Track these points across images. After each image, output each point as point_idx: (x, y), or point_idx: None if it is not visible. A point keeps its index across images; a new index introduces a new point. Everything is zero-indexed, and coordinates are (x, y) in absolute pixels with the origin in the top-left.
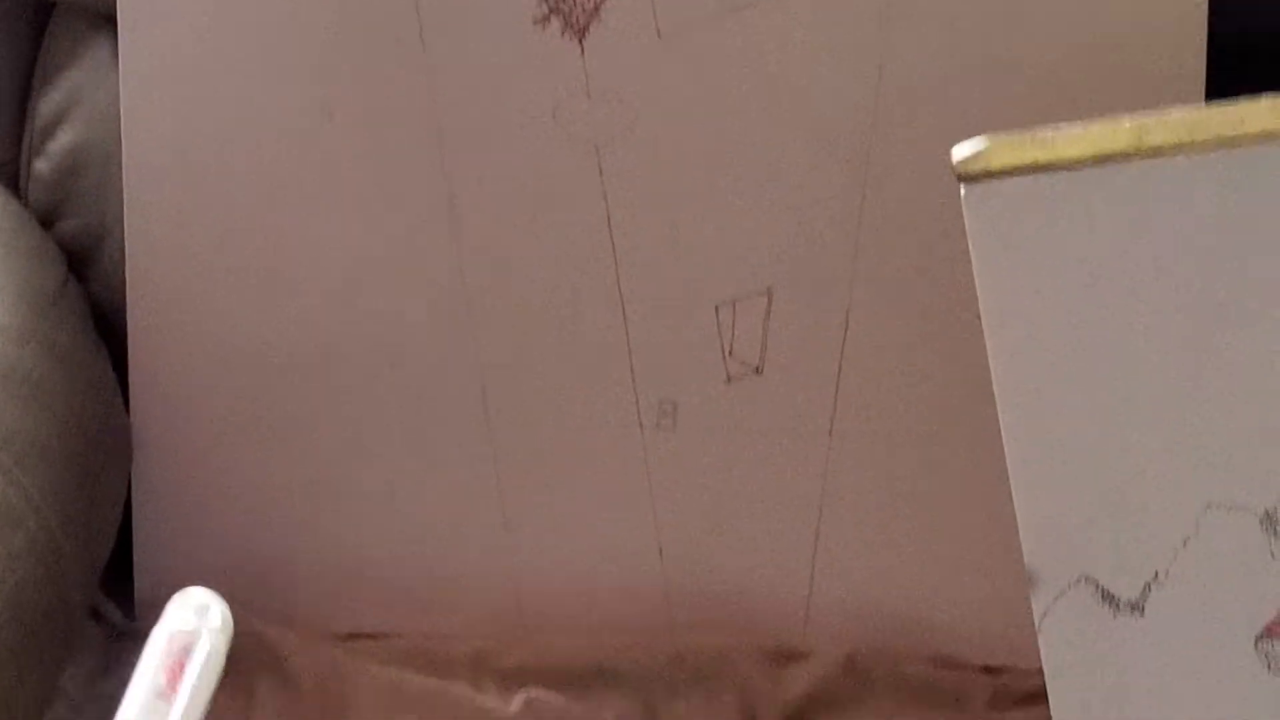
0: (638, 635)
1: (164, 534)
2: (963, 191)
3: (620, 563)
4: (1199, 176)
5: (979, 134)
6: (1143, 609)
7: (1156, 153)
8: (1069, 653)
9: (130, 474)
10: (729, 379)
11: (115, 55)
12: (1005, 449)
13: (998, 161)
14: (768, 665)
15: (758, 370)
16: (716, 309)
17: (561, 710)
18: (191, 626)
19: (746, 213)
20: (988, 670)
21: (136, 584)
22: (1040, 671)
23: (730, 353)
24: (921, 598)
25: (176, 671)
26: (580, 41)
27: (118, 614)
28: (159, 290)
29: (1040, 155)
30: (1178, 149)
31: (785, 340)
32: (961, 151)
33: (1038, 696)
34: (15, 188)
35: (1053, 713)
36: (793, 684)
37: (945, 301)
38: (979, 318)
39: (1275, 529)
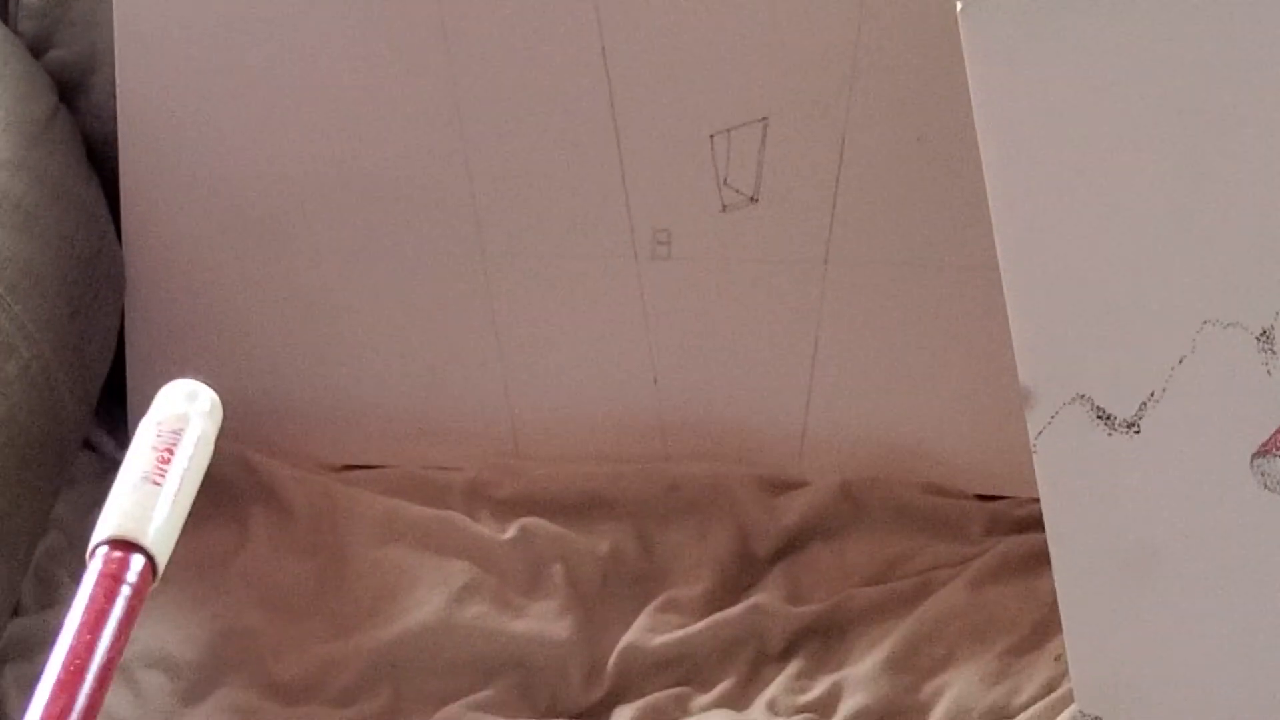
0: (632, 464)
1: (157, 365)
2: (959, 8)
3: (615, 392)
4: None
5: None
6: (1138, 427)
7: None
8: (1064, 471)
9: (123, 305)
10: (724, 208)
11: None
12: (1001, 269)
13: None
14: (762, 494)
15: (753, 199)
16: (711, 138)
17: (556, 538)
18: (180, 411)
19: (741, 41)
20: (982, 498)
21: (130, 415)
22: (1035, 500)
23: (725, 181)
24: (917, 426)
25: (166, 456)
26: None
27: (111, 444)
28: (150, 120)
29: None
30: None
31: (781, 169)
32: None
33: (1032, 523)
34: (4, 16)
35: (1048, 531)
36: (787, 512)
37: (942, 126)
38: (976, 141)
39: (1272, 346)
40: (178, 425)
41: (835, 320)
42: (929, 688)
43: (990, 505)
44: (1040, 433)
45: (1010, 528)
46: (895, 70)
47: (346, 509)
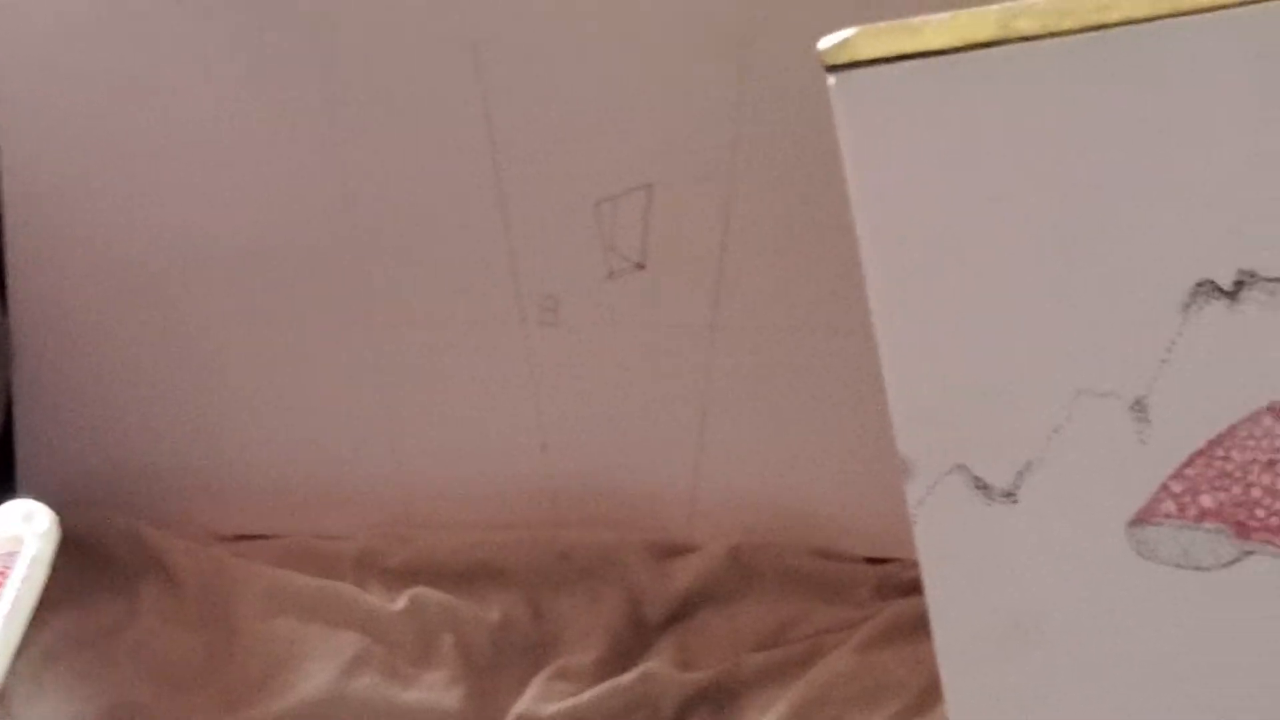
0: (523, 532)
1: (47, 435)
2: (830, 81)
3: (504, 460)
4: (1065, 62)
5: (851, 24)
6: (1016, 497)
7: (1023, 39)
8: (943, 541)
9: (11, 376)
10: (611, 274)
11: None
12: (877, 338)
13: (865, 51)
14: (652, 560)
15: (639, 265)
16: (597, 205)
17: (446, 607)
18: (15, 533)
19: (624, 108)
20: (872, 561)
21: (20, 489)
22: None
23: (612, 248)
24: (806, 490)
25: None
26: None
27: None
28: (35, 187)
29: (907, 44)
30: (1044, 35)
31: (667, 235)
32: (828, 41)
33: (921, 586)
34: None
35: (928, 600)
36: (677, 578)
37: (825, 193)
38: None
39: (1146, 415)
40: (12, 548)
41: (724, 385)
42: None
43: (879, 568)
44: (920, 502)
45: (899, 591)
46: (777, 136)
47: (235, 580)
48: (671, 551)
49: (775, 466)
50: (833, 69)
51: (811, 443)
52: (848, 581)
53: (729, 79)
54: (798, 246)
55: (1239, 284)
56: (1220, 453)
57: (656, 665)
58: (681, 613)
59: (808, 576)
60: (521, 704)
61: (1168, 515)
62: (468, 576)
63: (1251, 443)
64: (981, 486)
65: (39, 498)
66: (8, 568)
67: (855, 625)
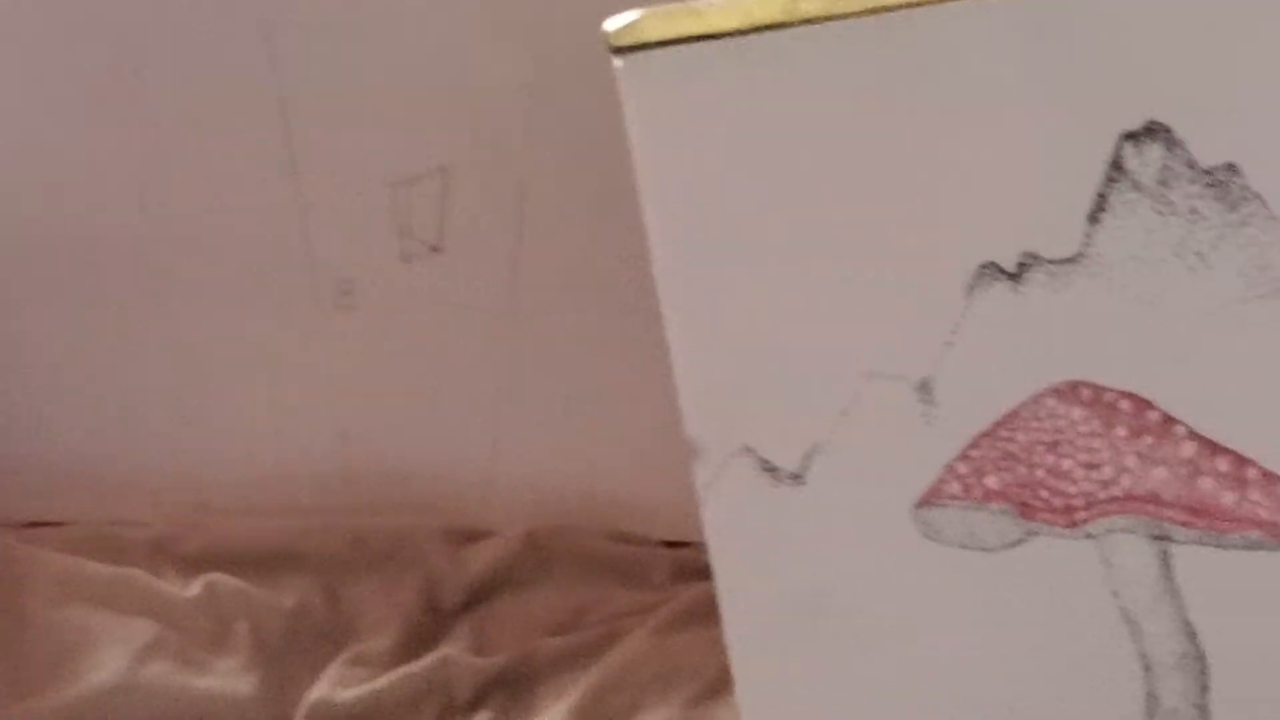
0: (319, 518)
1: None
2: (617, 64)
3: (301, 445)
4: (849, 45)
5: (642, 6)
6: (804, 479)
7: (807, 22)
8: (731, 523)
9: None
10: (407, 257)
11: None
12: (665, 321)
13: (651, 33)
14: (449, 545)
15: (435, 249)
16: (392, 187)
17: (240, 594)
18: None
19: (419, 91)
20: (669, 545)
21: None
22: None
23: (407, 231)
24: (603, 474)
25: None
26: None
27: None
28: None
29: (693, 26)
30: (828, 18)
31: (463, 218)
32: (614, 23)
33: None
34: None
35: (716, 582)
36: (473, 563)
37: (620, 176)
38: None
39: (931, 397)
40: None
41: (521, 369)
42: None
43: (676, 552)
44: (707, 485)
45: (696, 574)
46: (572, 118)
47: (25, 568)
48: (468, 537)
49: (573, 450)
50: (618, 51)
51: (609, 426)
52: (644, 565)
53: (522, 61)
54: (594, 229)
55: (1022, 266)
56: (1004, 434)
57: (452, 651)
58: (478, 598)
59: (604, 560)
60: (316, 691)
61: (953, 496)
62: (263, 563)
63: (1035, 424)
64: (769, 468)
65: None
66: None
67: (652, 609)
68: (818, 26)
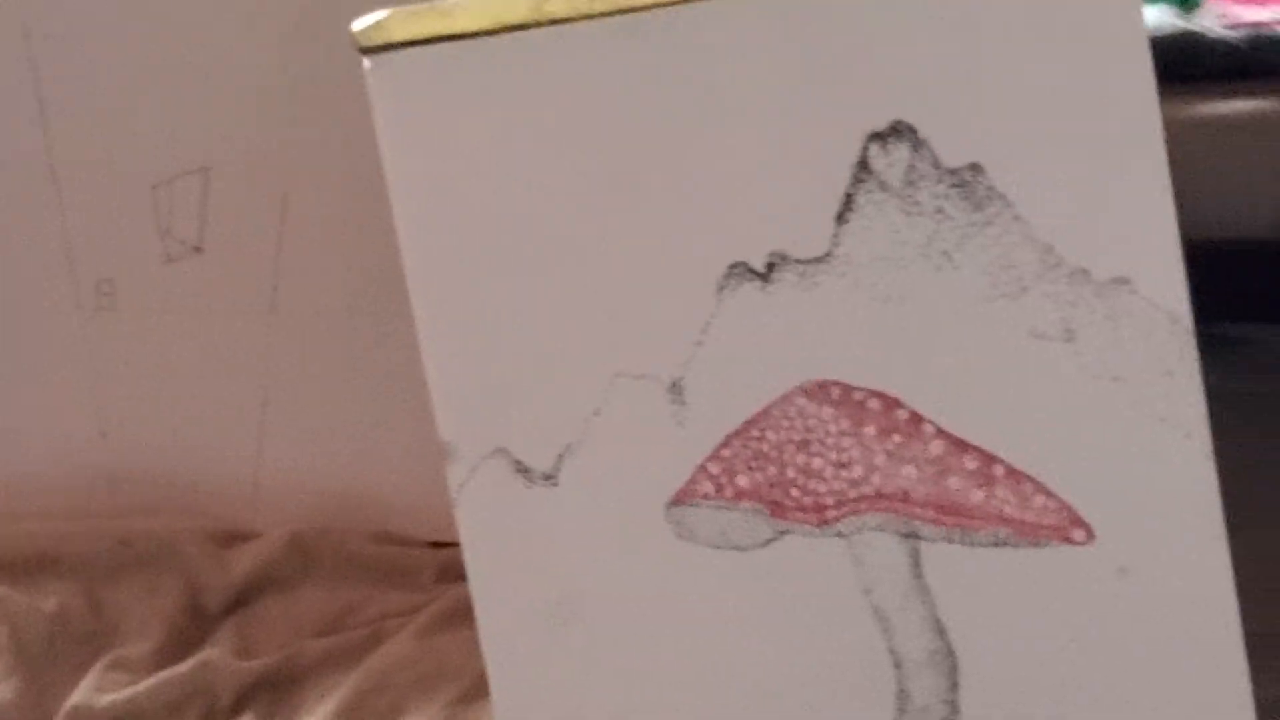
0: (81, 521)
1: None
2: (365, 64)
3: (62, 447)
4: (596, 46)
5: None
6: (556, 479)
7: (554, 22)
8: (485, 524)
9: None
10: (168, 258)
11: None
12: (417, 324)
13: (398, 33)
14: (213, 547)
15: (197, 249)
16: (154, 188)
17: (0, 599)
18: None
19: (180, 92)
20: (435, 545)
21: None
22: None
23: (169, 232)
24: (368, 475)
25: None
26: None
27: None
28: None
29: (440, 26)
30: (575, 18)
31: (224, 219)
32: (362, 23)
33: None
34: None
35: (471, 583)
36: (237, 565)
37: (380, 177)
38: None
39: (681, 398)
40: None
41: (284, 370)
42: None
43: (441, 553)
44: (461, 486)
45: (461, 575)
46: (331, 120)
47: None
48: (232, 538)
49: (337, 451)
50: (366, 51)
51: (374, 427)
52: (409, 566)
53: (284, 63)
54: (355, 230)
55: (771, 266)
56: (755, 433)
57: (215, 653)
58: (242, 600)
59: (369, 561)
60: (77, 695)
61: (705, 496)
62: (23, 567)
63: (785, 423)
64: (522, 470)
65: None
66: None
67: (417, 610)
68: (565, 27)
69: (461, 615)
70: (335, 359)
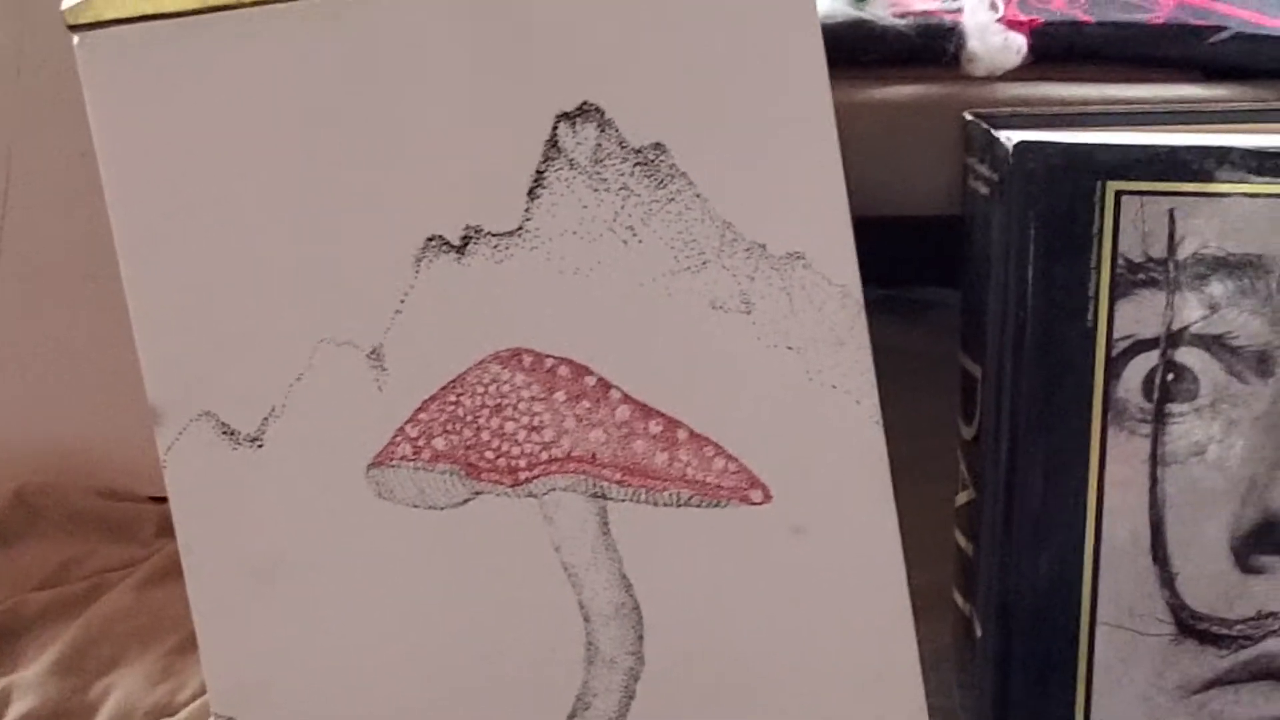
0: None
1: None
2: (74, 41)
3: None
4: (299, 22)
5: None
6: (261, 442)
7: (260, 2)
8: (193, 486)
9: None
10: None
11: None
12: (125, 289)
13: (106, 11)
14: None
15: None
16: None
17: None
18: None
19: None
20: (156, 500)
21: None
22: None
23: None
24: (90, 431)
25: None
26: None
27: None
28: None
29: (148, 5)
30: None
31: None
32: (70, 1)
33: None
34: None
35: (179, 543)
36: None
37: None
38: None
39: (382, 364)
40: None
41: (7, 327)
42: (97, 689)
43: (163, 507)
44: (169, 448)
45: None
46: (58, 79)
47: None
48: None
49: (60, 407)
50: (75, 28)
51: (97, 384)
52: (131, 521)
53: (8, 35)
54: (80, 194)
55: (466, 239)
56: (452, 398)
57: None
58: None
59: (91, 516)
60: None
61: (404, 458)
62: None
63: (480, 389)
64: (228, 432)
65: None
66: None
67: (136, 564)
68: (267, 8)
69: (179, 569)
70: (59, 316)
